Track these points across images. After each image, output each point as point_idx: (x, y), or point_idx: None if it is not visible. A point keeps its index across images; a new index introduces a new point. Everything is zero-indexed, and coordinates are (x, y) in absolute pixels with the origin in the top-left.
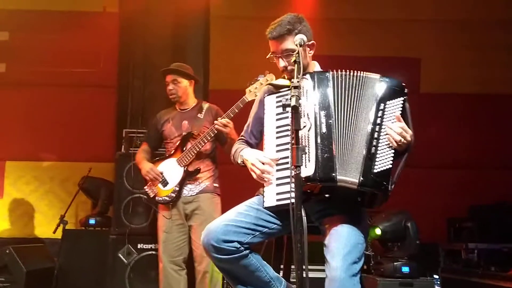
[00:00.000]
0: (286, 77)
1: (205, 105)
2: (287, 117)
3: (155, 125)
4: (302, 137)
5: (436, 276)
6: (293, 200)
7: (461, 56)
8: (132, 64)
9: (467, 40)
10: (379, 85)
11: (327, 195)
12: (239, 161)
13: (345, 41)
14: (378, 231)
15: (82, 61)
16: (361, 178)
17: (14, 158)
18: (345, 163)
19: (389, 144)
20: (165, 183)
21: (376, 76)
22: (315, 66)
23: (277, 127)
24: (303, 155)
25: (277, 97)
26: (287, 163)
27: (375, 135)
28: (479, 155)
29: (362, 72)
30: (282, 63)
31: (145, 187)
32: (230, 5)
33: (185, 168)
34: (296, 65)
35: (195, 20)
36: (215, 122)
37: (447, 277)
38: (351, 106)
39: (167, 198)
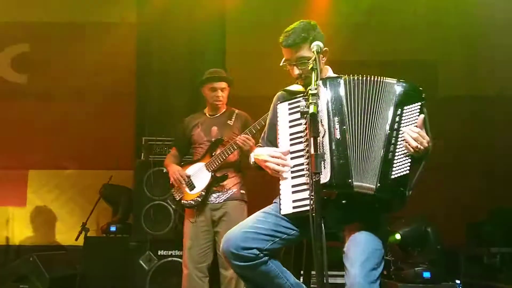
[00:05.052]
0: (299, 84)
1: (235, 112)
2: (300, 124)
3: (183, 130)
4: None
5: (457, 281)
6: (312, 206)
7: (480, 59)
8: (150, 73)
9: (485, 42)
10: (395, 89)
11: (344, 201)
12: (251, 162)
13: (360, 45)
14: (398, 236)
15: (102, 70)
16: (378, 184)
17: (36, 167)
18: (361, 169)
19: (406, 150)
20: (192, 187)
21: (393, 80)
22: (328, 72)
23: (291, 134)
24: (322, 162)
25: (289, 104)
26: (302, 170)
27: (392, 141)
28: (499, 158)
29: (377, 76)
30: (296, 70)
31: (172, 190)
32: (246, 12)
33: (212, 174)
34: (313, 72)
35: (211, 27)
36: (237, 138)
37: (469, 282)
38: (366, 111)
39: (193, 202)
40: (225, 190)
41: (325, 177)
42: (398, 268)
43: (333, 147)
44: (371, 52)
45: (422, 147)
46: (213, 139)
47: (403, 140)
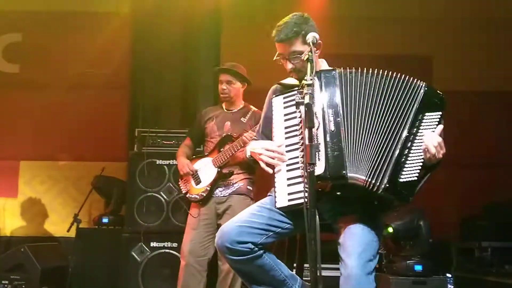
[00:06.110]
0: (294, 77)
1: (251, 110)
2: (295, 117)
3: (199, 121)
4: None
5: (449, 275)
6: (306, 199)
7: (475, 54)
8: (144, 64)
9: (481, 37)
10: (419, 92)
11: (338, 193)
12: (247, 155)
13: (355, 39)
14: (390, 229)
15: (95, 61)
16: (387, 185)
17: (28, 157)
18: (355, 160)
19: (419, 156)
20: (198, 181)
21: (421, 82)
22: (323, 65)
23: (286, 127)
24: (317, 153)
25: (284, 97)
26: (297, 163)
27: (408, 144)
28: (493, 153)
29: (394, 72)
30: (289, 65)
31: (179, 182)
32: (241, 5)
33: (218, 169)
34: (309, 63)
35: (206, 19)
36: (244, 134)
37: (461, 276)
38: (366, 104)
39: (197, 197)
40: (231, 184)
41: (319, 169)
42: (390, 261)
43: (327, 139)
44: (366, 45)
45: (437, 157)
46: (223, 135)
47: (418, 146)
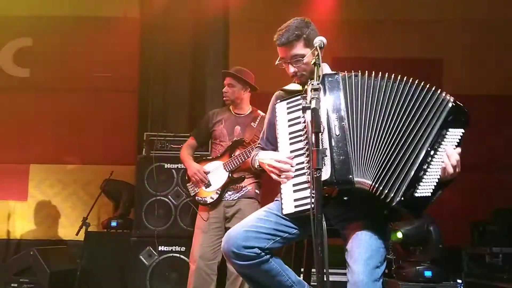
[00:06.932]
0: (296, 82)
1: (260, 115)
2: (299, 123)
3: (207, 123)
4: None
5: (459, 281)
6: (313, 204)
7: (485, 56)
8: (153, 68)
9: (491, 39)
10: (448, 106)
11: (345, 198)
12: (256, 165)
13: (364, 42)
14: (399, 234)
15: (104, 65)
16: (402, 198)
17: (38, 161)
18: (362, 164)
19: (437, 172)
20: (208, 184)
21: (448, 96)
22: (325, 68)
23: (290, 133)
24: (324, 158)
25: (287, 103)
26: (302, 168)
27: (428, 160)
28: (503, 157)
29: (413, 79)
30: (291, 69)
31: (188, 184)
32: (249, 9)
33: (229, 174)
34: (316, 68)
35: (214, 23)
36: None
37: (471, 282)
38: (371, 108)
39: (207, 200)
40: (240, 188)
41: (325, 174)
42: (399, 266)
43: (333, 143)
44: (375, 48)
45: (452, 175)
46: (234, 139)
47: (437, 162)
